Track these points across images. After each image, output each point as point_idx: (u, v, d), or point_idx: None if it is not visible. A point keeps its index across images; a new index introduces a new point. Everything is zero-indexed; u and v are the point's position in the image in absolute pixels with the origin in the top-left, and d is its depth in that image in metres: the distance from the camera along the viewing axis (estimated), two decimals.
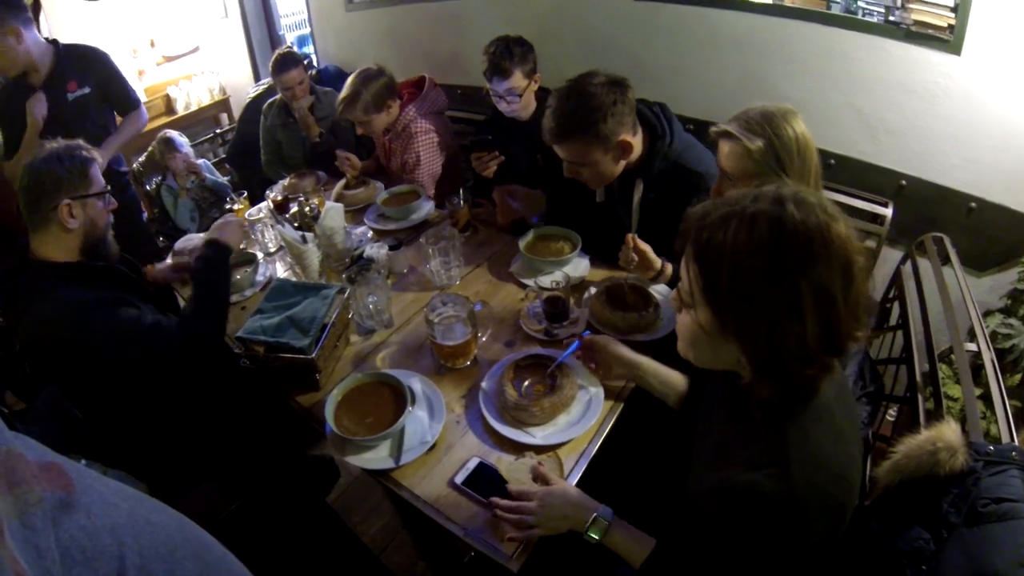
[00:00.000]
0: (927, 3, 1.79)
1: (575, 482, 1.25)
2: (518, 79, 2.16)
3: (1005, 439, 1.24)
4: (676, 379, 1.35)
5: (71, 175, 1.54)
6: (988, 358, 1.46)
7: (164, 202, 3.17)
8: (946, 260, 1.77)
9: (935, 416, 1.44)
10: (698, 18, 2.30)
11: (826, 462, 0.84)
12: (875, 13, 1.89)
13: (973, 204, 1.95)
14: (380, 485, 1.34)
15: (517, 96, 2.18)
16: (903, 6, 1.83)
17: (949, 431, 1.13)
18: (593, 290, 1.70)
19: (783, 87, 2.18)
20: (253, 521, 1.81)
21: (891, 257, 2.11)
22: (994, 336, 1.88)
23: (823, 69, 2.08)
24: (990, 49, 1.75)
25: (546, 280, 1.58)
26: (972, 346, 1.56)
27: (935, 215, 2.03)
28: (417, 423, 1.38)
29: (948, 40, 1.78)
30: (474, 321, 1.53)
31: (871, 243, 2.15)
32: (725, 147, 1.35)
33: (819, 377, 0.85)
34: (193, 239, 2.39)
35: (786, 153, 1.27)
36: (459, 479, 1.25)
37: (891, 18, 1.86)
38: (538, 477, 1.17)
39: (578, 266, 1.88)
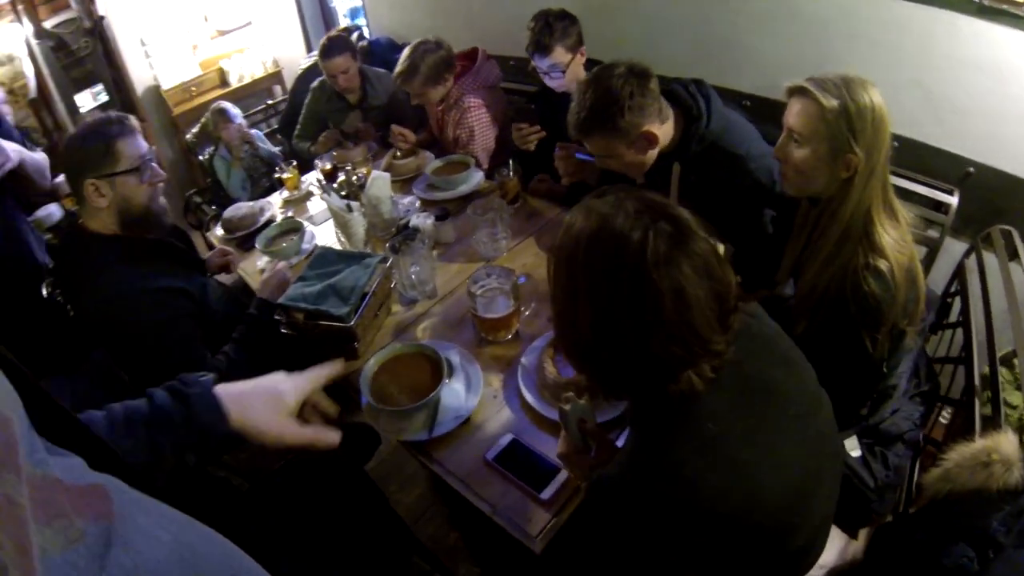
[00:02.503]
0: None
1: None
2: (560, 54, 2.12)
3: None
4: None
5: (92, 154, 1.51)
6: None
7: (217, 172, 3.24)
8: (1014, 255, 1.67)
9: (992, 424, 1.36)
10: None
11: (660, 464, 0.86)
12: None
13: None
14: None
15: (560, 72, 2.15)
16: None
17: (1006, 442, 1.06)
18: None
19: (845, 62, 2.05)
20: (293, 485, 1.86)
21: (955, 249, 2.00)
22: None
23: (888, 44, 1.96)
24: None
25: None
26: None
27: (1004, 206, 1.91)
28: (453, 396, 1.38)
29: (1023, 16, 1.66)
30: (517, 294, 1.52)
31: (933, 232, 2.04)
32: (796, 105, 1.29)
33: (650, 394, 0.86)
34: (242, 208, 2.46)
35: (860, 121, 1.21)
36: (491, 455, 1.25)
37: None
38: (588, 435, 1.16)
39: None
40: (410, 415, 1.34)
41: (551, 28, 2.09)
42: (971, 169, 1.96)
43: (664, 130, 1.64)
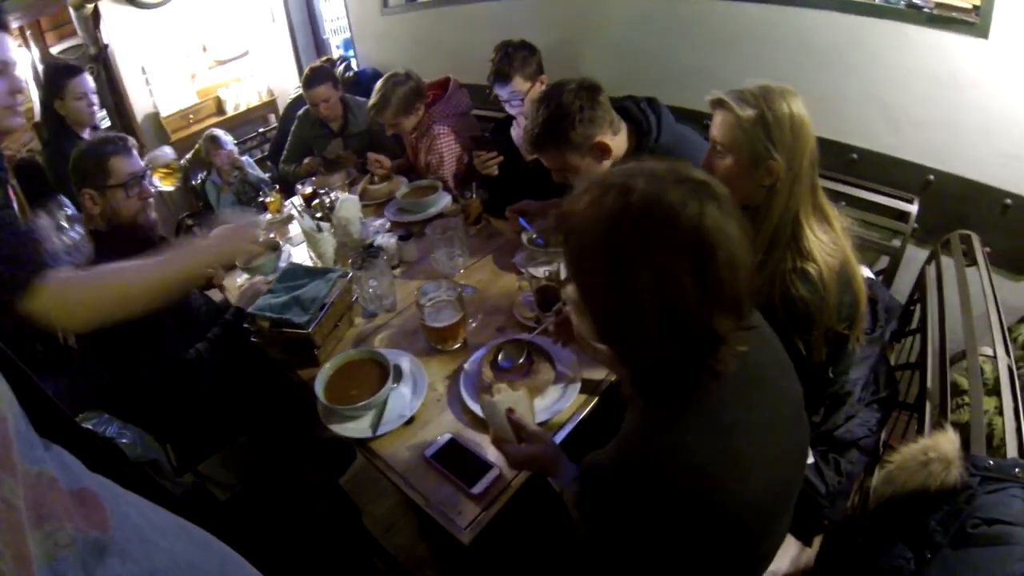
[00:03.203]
0: None
1: None
2: (519, 83, 2.21)
3: (1012, 455, 1.13)
4: None
5: (89, 168, 1.68)
6: (1004, 364, 1.37)
7: (208, 196, 3.35)
8: (974, 260, 1.68)
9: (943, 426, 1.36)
10: (715, 14, 2.28)
11: (672, 447, 0.83)
12: None
13: (1008, 201, 1.83)
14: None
15: (520, 99, 2.24)
16: None
17: (945, 441, 1.04)
18: None
19: (802, 80, 2.08)
20: (266, 498, 1.89)
21: (919, 257, 2.01)
22: None
23: (842, 59, 2.01)
24: (1020, 31, 1.64)
25: (540, 270, 1.59)
26: (987, 350, 1.46)
27: (966, 213, 1.92)
28: (399, 398, 1.44)
29: (974, 23, 1.69)
30: (463, 304, 1.57)
31: (898, 242, 2.06)
32: (718, 116, 1.32)
33: (688, 372, 0.81)
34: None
35: (778, 128, 1.23)
36: (428, 452, 1.29)
37: (914, 1, 1.78)
38: (515, 425, 1.16)
39: None
40: (359, 415, 1.40)
41: (510, 58, 2.20)
42: (931, 177, 1.98)
43: (617, 142, 1.69)
